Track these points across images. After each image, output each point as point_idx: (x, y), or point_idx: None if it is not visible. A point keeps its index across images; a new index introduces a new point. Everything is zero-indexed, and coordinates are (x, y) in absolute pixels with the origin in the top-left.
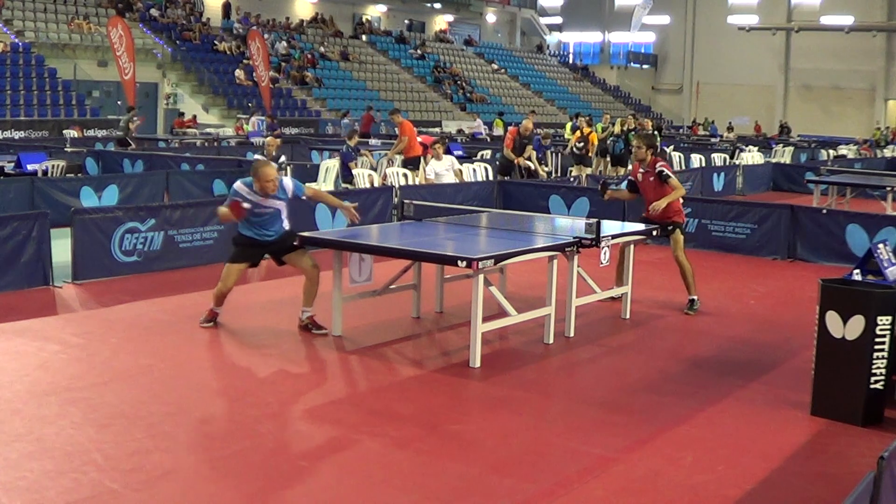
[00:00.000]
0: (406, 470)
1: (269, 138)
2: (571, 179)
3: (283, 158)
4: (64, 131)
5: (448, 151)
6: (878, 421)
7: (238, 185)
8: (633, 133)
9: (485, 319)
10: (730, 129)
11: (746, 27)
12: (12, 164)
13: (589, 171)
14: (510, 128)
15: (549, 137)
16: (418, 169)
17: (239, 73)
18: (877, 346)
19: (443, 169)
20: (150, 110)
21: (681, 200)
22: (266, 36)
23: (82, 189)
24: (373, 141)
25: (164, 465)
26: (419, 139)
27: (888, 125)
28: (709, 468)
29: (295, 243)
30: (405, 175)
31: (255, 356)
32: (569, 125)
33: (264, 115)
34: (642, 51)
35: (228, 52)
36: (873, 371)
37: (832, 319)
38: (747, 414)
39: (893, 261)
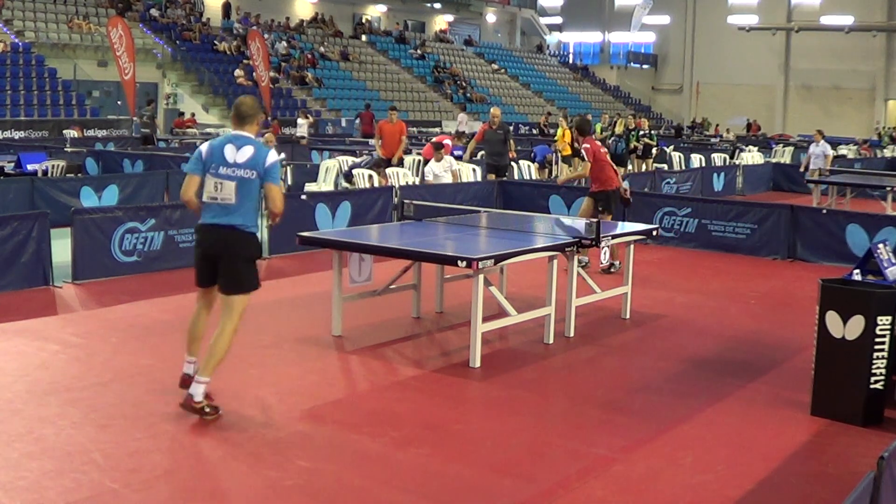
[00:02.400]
0: (406, 470)
1: (267, 135)
2: None
3: (282, 155)
4: (64, 131)
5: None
6: (878, 421)
7: (274, 155)
8: (633, 133)
9: (485, 319)
10: (702, 127)
11: (746, 27)
12: (12, 164)
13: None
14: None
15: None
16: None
17: (239, 73)
18: (877, 346)
19: (441, 170)
20: None
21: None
22: (266, 36)
23: (82, 189)
24: (372, 141)
25: (164, 465)
26: (435, 139)
27: (891, 125)
28: (709, 468)
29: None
30: (371, 176)
31: (256, 356)
32: (563, 124)
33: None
34: (642, 51)
35: (228, 52)
36: (873, 371)
37: (832, 319)
38: (747, 414)
39: (893, 261)
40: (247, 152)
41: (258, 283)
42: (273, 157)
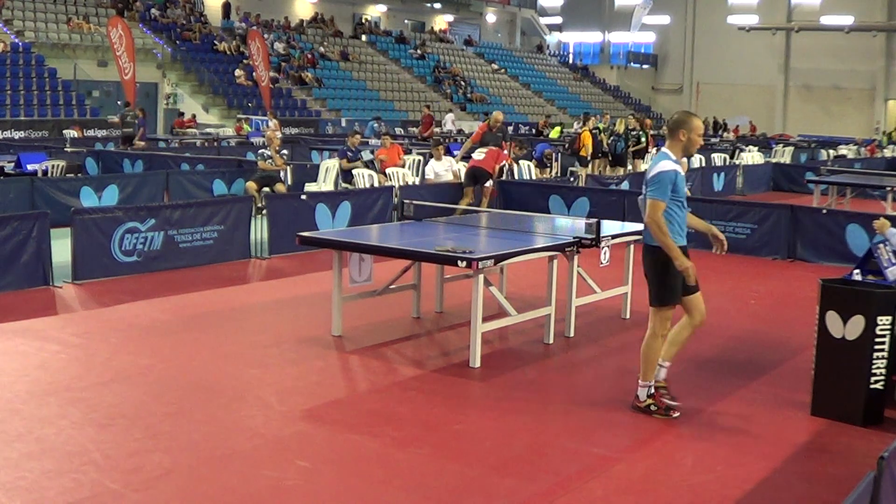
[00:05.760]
0: (406, 470)
1: (269, 133)
2: (571, 179)
3: (284, 151)
4: (64, 131)
5: (448, 152)
6: (878, 421)
7: (667, 165)
8: (633, 133)
9: (485, 319)
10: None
11: (746, 27)
12: (12, 164)
13: (586, 170)
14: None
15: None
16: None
17: (239, 73)
18: (877, 346)
19: (442, 170)
20: (150, 110)
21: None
22: (266, 36)
23: (82, 189)
24: (373, 141)
25: (164, 465)
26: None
27: (891, 128)
28: (709, 468)
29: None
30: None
31: (256, 356)
32: (583, 124)
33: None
34: (642, 51)
35: (228, 52)
36: (873, 371)
37: (832, 319)
38: (747, 414)
39: (893, 261)
40: (652, 168)
41: (666, 300)
42: (659, 167)
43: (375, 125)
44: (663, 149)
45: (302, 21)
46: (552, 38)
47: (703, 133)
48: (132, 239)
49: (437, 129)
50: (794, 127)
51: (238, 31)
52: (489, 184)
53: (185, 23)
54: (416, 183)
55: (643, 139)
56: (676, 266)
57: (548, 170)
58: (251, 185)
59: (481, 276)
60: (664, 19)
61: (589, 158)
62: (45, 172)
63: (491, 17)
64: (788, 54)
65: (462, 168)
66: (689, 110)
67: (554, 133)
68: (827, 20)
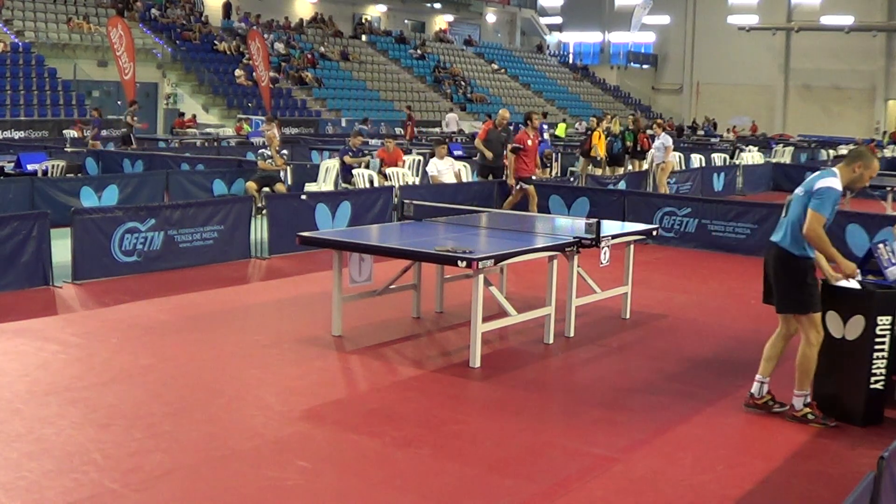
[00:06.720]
0: (406, 470)
1: (268, 133)
2: (571, 179)
3: (284, 151)
4: (64, 131)
5: (448, 152)
6: (878, 421)
7: (836, 183)
8: (629, 132)
9: (485, 319)
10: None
11: (746, 27)
12: (12, 164)
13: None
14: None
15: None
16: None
17: (239, 73)
18: (877, 346)
19: (444, 167)
20: (150, 110)
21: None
22: (266, 36)
23: (82, 189)
24: (373, 141)
25: (164, 465)
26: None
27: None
28: (709, 468)
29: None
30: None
31: (256, 356)
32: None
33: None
34: (642, 51)
35: (228, 52)
36: (873, 371)
37: (832, 319)
38: (747, 414)
39: (893, 261)
40: (819, 179)
41: (810, 305)
42: (829, 182)
43: (365, 129)
44: (834, 168)
45: (302, 21)
46: (552, 38)
47: (875, 176)
48: (132, 239)
49: (437, 129)
50: (794, 127)
51: (238, 31)
52: (520, 186)
53: (185, 23)
54: (417, 183)
55: (628, 140)
56: (843, 269)
57: (548, 170)
58: (251, 185)
59: (481, 276)
60: (664, 19)
61: (599, 159)
62: (45, 172)
63: (491, 17)
64: (788, 54)
65: (463, 168)
66: (867, 150)
67: (559, 131)
68: (827, 20)
